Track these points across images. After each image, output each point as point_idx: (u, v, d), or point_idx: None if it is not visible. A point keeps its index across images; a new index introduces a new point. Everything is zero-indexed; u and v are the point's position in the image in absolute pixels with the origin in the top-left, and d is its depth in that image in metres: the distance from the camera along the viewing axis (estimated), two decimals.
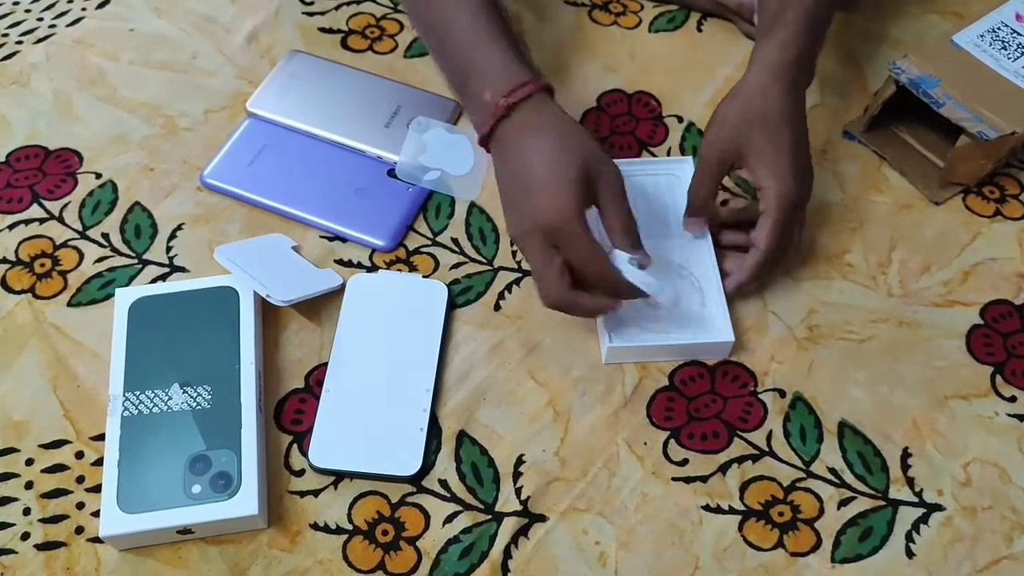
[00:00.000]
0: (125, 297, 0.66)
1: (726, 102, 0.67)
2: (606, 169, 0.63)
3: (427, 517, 0.61)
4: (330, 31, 0.86)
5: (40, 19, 0.87)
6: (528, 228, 0.61)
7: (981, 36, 0.78)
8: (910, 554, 0.60)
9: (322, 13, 0.88)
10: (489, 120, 0.64)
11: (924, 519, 0.61)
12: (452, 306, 0.69)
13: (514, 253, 0.73)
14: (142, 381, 0.62)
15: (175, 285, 0.67)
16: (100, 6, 0.88)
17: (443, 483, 0.62)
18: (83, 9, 0.87)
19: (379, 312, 0.68)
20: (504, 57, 0.66)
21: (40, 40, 0.85)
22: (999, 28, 0.78)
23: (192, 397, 0.62)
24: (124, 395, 0.62)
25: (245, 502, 0.58)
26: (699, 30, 0.87)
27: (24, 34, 0.85)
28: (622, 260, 0.62)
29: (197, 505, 0.58)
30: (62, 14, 0.87)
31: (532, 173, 0.62)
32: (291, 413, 0.65)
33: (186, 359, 0.63)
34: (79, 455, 0.63)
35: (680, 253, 0.70)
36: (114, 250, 0.72)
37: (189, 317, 0.65)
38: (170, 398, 0.62)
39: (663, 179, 0.75)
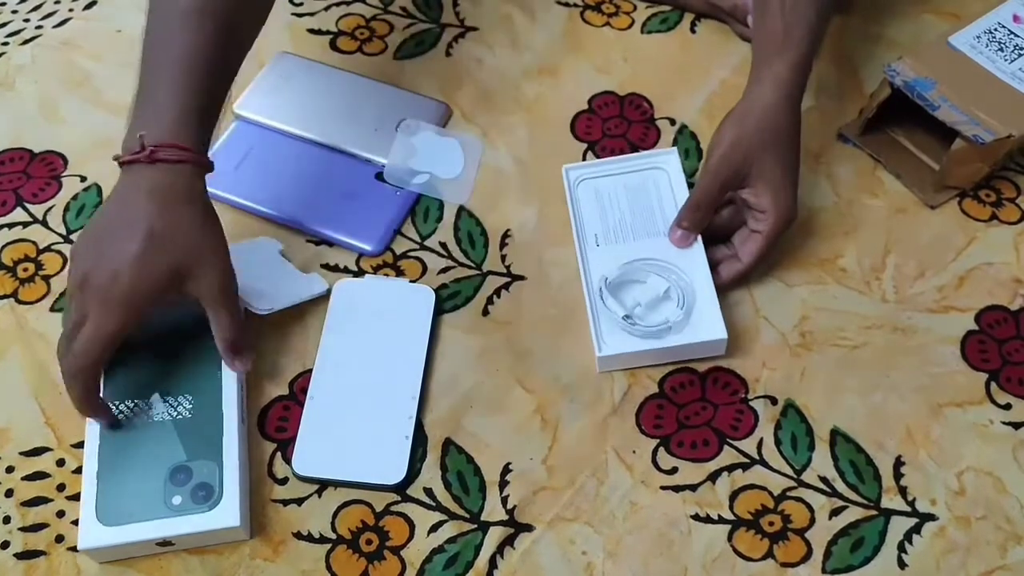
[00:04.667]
0: None
1: (738, 120, 0.67)
2: (204, 269, 0.59)
3: (412, 526, 0.60)
4: (319, 32, 0.85)
5: (27, 20, 0.86)
6: (85, 274, 0.56)
7: (977, 37, 0.76)
8: (902, 564, 0.59)
9: (311, 14, 0.87)
10: (133, 154, 0.58)
11: (917, 529, 0.60)
12: (439, 311, 0.69)
13: (503, 257, 0.72)
14: (122, 391, 0.62)
15: None
16: (87, 7, 0.87)
17: (428, 492, 0.61)
18: (70, 10, 0.86)
19: (365, 318, 0.67)
20: (188, 106, 0.60)
21: (26, 42, 0.84)
22: (996, 29, 0.77)
23: (173, 407, 0.61)
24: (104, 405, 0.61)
25: (226, 513, 0.58)
26: (692, 31, 0.86)
27: (10, 36, 0.85)
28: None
29: (177, 516, 0.57)
30: (49, 15, 0.86)
31: (121, 242, 0.56)
32: (275, 421, 0.64)
33: (167, 368, 0.62)
34: (60, 463, 0.62)
35: (668, 250, 0.69)
36: None
37: (170, 325, 0.64)
38: (151, 408, 0.61)
39: (648, 173, 0.74)
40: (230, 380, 0.62)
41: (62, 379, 0.58)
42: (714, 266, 0.68)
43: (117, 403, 0.61)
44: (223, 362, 0.62)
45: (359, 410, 0.63)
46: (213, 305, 0.60)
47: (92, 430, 0.60)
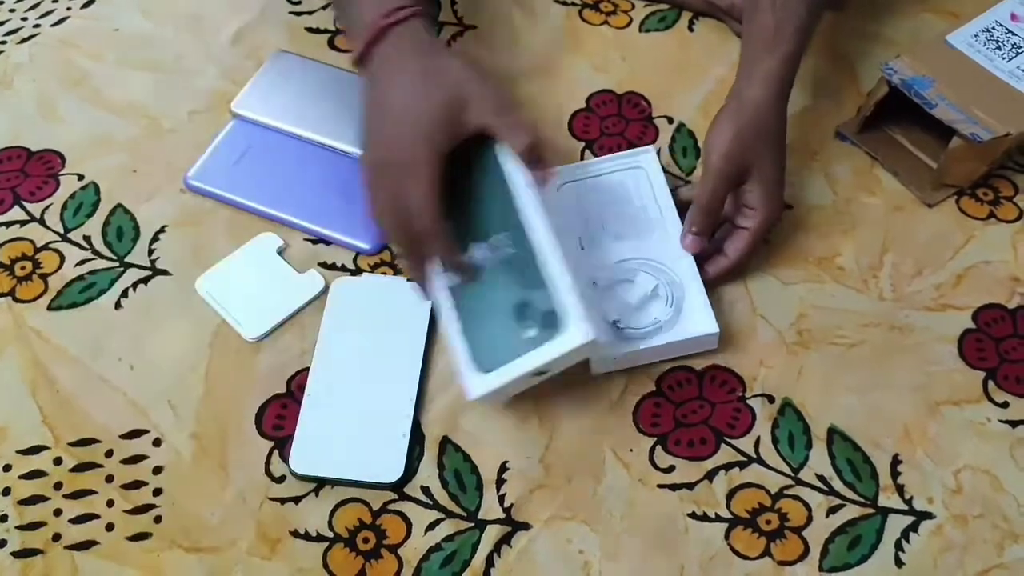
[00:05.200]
0: None
1: (733, 117, 0.66)
2: (478, 91, 0.60)
3: (409, 525, 0.60)
4: (317, 31, 0.85)
5: (24, 19, 0.86)
6: (378, 161, 0.60)
7: (975, 36, 0.76)
8: (899, 563, 0.59)
9: (309, 13, 0.87)
10: (363, 41, 0.61)
11: (914, 527, 0.60)
12: None
13: None
14: None
15: None
16: (85, 5, 0.87)
17: (425, 490, 0.61)
18: (68, 8, 0.86)
19: (362, 316, 0.67)
20: None
21: (24, 40, 0.84)
22: (994, 28, 0.77)
23: (490, 251, 0.61)
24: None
25: (577, 332, 0.57)
26: (690, 30, 0.86)
27: (8, 34, 0.85)
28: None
29: (537, 348, 0.58)
30: (47, 13, 0.86)
31: (392, 105, 0.60)
32: (272, 419, 0.64)
33: (464, 219, 0.62)
34: (57, 461, 0.62)
35: (655, 248, 0.69)
36: (95, 253, 0.71)
37: (465, 181, 0.63)
38: (471, 258, 0.61)
39: (628, 173, 0.73)
40: (529, 207, 0.60)
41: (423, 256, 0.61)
42: (700, 263, 0.68)
43: None
44: (518, 188, 0.61)
45: (356, 408, 0.63)
46: (497, 122, 0.60)
47: (443, 293, 0.61)
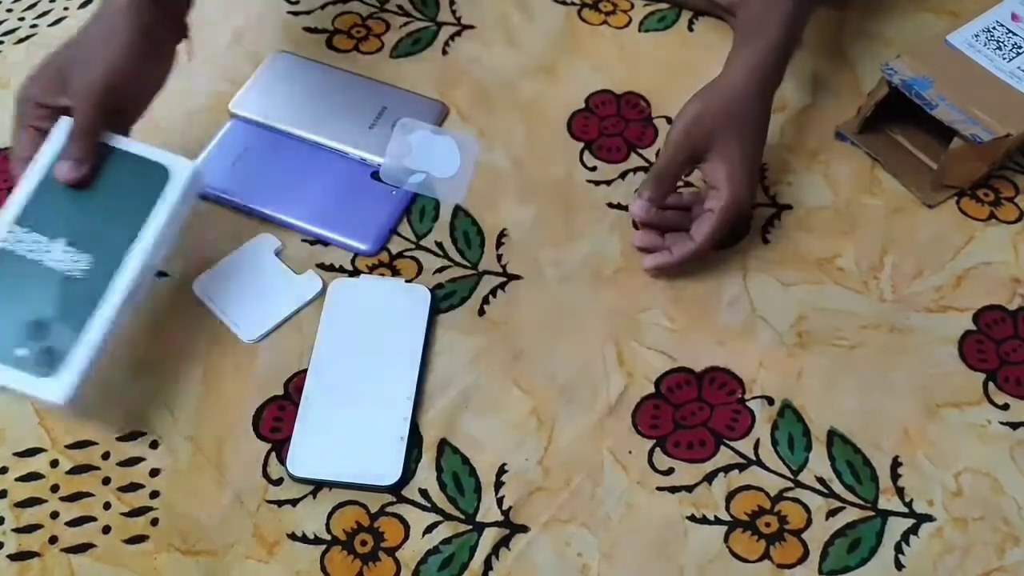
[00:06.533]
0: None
1: (704, 97, 0.68)
2: (79, 76, 0.61)
3: (407, 527, 0.60)
4: (315, 31, 0.85)
5: (22, 19, 0.85)
6: None
7: (976, 36, 0.76)
8: (899, 566, 0.59)
9: (307, 12, 0.86)
10: None
11: (914, 530, 0.60)
12: (435, 311, 0.68)
13: (499, 257, 0.71)
14: (34, 221, 0.59)
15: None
16: (82, 5, 0.86)
17: (423, 493, 0.61)
18: (65, 8, 0.86)
19: (360, 317, 0.67)
20: None
21: (21, 40, 0.84)
22: (994, 28, 0.77)
23: (72, 259, 0.58)
24: (11, 228, 0.59)
25: (56, 387, 0.55)
26: (690, 30, 0.86)
27: (5, 34, 0.84)
28: None
29: (12, 369, 0.55)
30: (44, 13, 0.86)
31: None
32: (269, 421, 0.64)
33: (87, 218, 0.59)
34: (54, 463, 0.62)
35: None
36: None
37: (109, 180, 0.61)
38: (49, 251, 0.58)
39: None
40: (138, 257, 0.59)
41: None
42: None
43: (25, 230, 0.58)
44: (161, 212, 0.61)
45: (354, 410, 0.63)
46: (74, 103, 0.61)
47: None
